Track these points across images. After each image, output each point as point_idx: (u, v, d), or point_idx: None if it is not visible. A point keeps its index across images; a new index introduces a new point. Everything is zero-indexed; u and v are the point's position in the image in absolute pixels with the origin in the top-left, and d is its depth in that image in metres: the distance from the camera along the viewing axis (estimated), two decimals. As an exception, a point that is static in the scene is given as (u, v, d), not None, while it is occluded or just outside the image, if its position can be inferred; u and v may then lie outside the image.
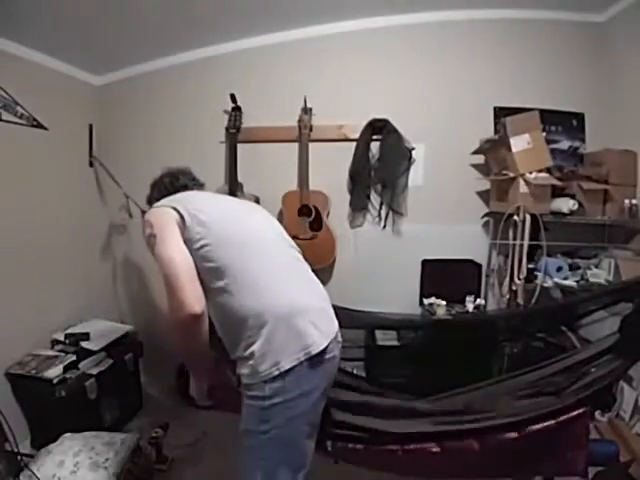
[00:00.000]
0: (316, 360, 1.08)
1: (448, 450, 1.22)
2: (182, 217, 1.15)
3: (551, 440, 1.20)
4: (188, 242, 1.13)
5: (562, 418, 1.17)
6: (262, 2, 2.17)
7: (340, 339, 1.21)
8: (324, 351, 1.10)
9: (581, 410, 1.18)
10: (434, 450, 1.23)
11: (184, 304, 1.03)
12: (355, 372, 1.89)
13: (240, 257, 1.13)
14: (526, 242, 2.09)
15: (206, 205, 1.23)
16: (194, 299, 1.05)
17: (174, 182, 1.43)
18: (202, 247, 1.12)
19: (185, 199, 1.25)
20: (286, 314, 1.08)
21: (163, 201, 1.25)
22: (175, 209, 1.16)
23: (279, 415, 1.06)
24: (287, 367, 1.04)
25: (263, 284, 1.12)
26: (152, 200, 1.41)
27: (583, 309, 1.56)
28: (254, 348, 1.06)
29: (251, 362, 1.07)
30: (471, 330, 1.92)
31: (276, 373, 1.04)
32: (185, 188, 1.41)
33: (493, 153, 2.33)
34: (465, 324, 2.10)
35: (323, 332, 1.12)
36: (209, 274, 1.12)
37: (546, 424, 1.18)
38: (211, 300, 1.14)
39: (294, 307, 1.11)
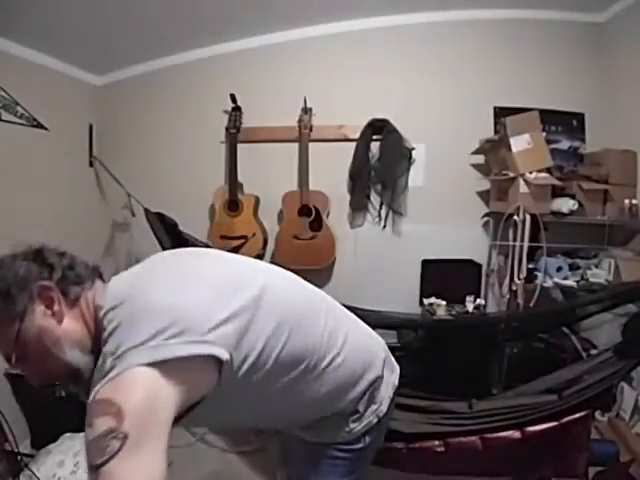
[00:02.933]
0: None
1: (452, 449, 1.23)
2: (223, 362, 0.65)
3: (553, 441, 1.20)
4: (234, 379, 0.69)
5: (565, 420, 1.17)
6: (262, 2, 2.17)
7: None
8: None
9: (584, 412, 1.17)
10: (438, 450, 1.24)
11: None
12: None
13: (316, 333, 0.83)
14: (526, 242, 2.09)
15: (210, 299, 0.70)
16: None
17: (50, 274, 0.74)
18: (254, 363, 0.71)
19: (182, 313, 0.64)
20: (381, 361, 0.97)
21: (139, 350, 0.60)
22: (212, 357, 0.64)
23: (369, 457, 0.99)
24: (385, 410, 0.95)
25: (347, 345, 0.88)
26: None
27: (585, 312, 1.56)
28: (358, 408, 0.91)
29: (352, 418, 0.91)
30: (471, 330, 1.92)
31: (375, 421, 0.93)
32: (79, 282, 0.75)
33: (493, 153, 2.33)
34: (465, 325, 2.10)
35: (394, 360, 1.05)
36: (276, 373, 0.76)
37: (549, 425, 1.18)
38: (284, 397, 0.81)
39: (382, 351, 1.00)
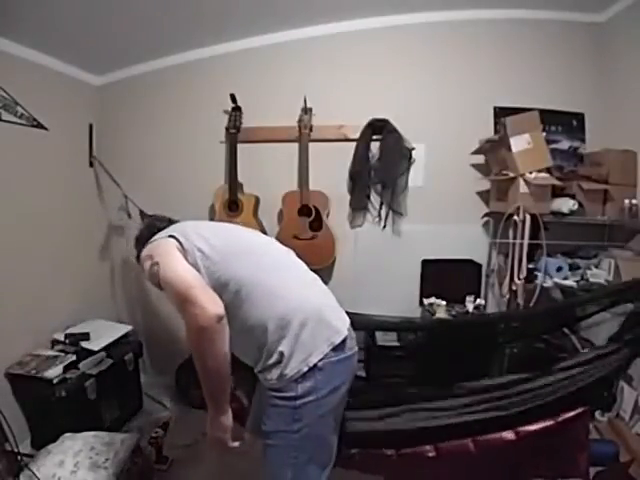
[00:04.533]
0: (341, 354, 1.11)
1: (444, 454, 1.20)
2: (179, 242, 1.16)
3: (550, 442, 1.17)
4: (191, 266, 1.13)
5: (561, 418, 1.15)
6: (262, 2, 2.17)
7: (354, 335, 1.23)
8: (345, 343, 1.12)
9: (581, 410, 1.15)
10: (430, 455, 1.21)
11: (204, 308, 1.00)
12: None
13: (247, 266, 1.15)
14: (526, 242, 2.09)
15: (199, 228, 1.25)
16: (213, 302, 1.02)
17: (151, 229, 1.39)
18: (207, 266, 1.13)
19: (177, 227, 1.28)
20: (309, 310, 1.11)
21: (155, 237, 1.25)
22: (171, 236, 1.19)
23: (311, 413, 1.07)
24: (315, 361, 1.06)
25: (279, 287, 1.14)
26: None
27: (584, 311, 1.55)
28: (282, 349, 1.07)
29: (281, 364, 1.07)
30: (471, 331, 1.91)
31: (305, 369, 1.05)
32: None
33: (493, 153, 2.33)
34: (465, 325, 2.09)
35: (340, 323, 1.16)
36: (219, 291, 1.10)
37: (545, 424, 1.15)
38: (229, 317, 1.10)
39: (314, 304, 1.14)
